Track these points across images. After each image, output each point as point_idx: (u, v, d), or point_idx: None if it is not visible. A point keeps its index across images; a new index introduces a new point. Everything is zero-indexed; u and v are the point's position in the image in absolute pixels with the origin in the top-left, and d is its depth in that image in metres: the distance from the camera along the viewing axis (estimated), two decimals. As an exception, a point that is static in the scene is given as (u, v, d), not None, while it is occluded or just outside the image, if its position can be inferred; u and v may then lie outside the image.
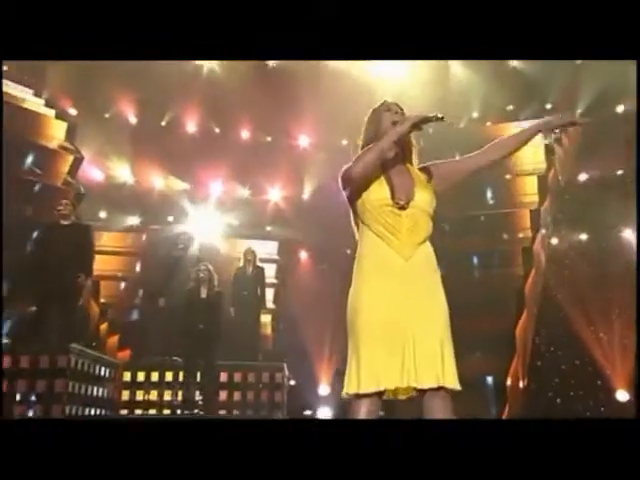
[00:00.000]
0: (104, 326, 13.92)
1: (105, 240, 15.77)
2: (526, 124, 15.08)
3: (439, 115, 3.14)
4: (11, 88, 14.49)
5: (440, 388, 2.98)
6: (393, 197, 3.12)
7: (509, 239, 14.54)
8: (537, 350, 13.71)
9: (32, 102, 15.33)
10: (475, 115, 16.55)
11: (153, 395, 8.74)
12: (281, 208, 16.77)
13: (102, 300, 14.51)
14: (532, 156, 15.30)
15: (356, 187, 3.19)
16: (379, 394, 3.04)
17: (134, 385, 8.85)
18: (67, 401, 6.90)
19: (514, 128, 15.70)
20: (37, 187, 12.53)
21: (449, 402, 3.04)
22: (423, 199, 3.19)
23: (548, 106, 16.26)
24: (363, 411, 3.03)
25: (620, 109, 15.59)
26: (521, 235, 14.44)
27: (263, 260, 13.62)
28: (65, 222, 8.03)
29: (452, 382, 3.00)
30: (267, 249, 15.84)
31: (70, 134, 15.35)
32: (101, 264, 15.07)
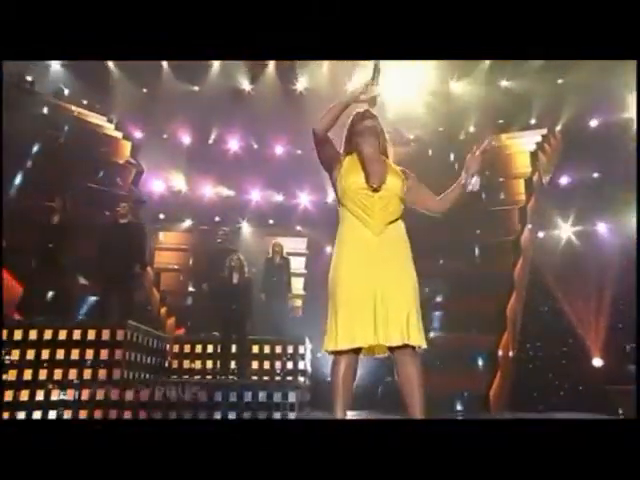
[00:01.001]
0: (163, 310, 13.78)
1: (164, 238, 16.00)
2: (517, 134, 15.65)
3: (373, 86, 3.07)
4: (91, 117, 14.99)
5: (406, 346, 2.92)
6: (368, 181, 3.04)
7: (502, 232, 14.06)
8: (525, 326, 13.37)
9: (106, 127, 15.44)
10: (472, 128, 16.15)
11: (197, 364, 8.72)
12: (309, 210, 16.57)
13: (162, 288, 14.41)
14: (520, 162, 15.04)
15: (319, 142, 3.16)
16: (355, 351, 2.98)
17: (181, 355, 8.82)
18: (125, 367, 6.96)
19: (505, 139, 15.77)
20: (105, 195, 12.34)
21: (416, 358, 2.97)
22: (394, 184, 3.11)
23: (532, 121, 15.88)
24: (342, 366, 2.97)
25: (593, 123, 15.16)
26: (511, 229, 14.04)
27: (294, 254, 14.22)
28: (123, 221, 8.19)
29: (416, 340, 2.94)
30: (298, 245, 15.90)
31: (134, 151, 15.36)
32: (161, 258, 15.60)
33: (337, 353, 3.02)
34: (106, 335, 7.05)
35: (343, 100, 3.16)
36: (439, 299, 13.18)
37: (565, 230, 14.22)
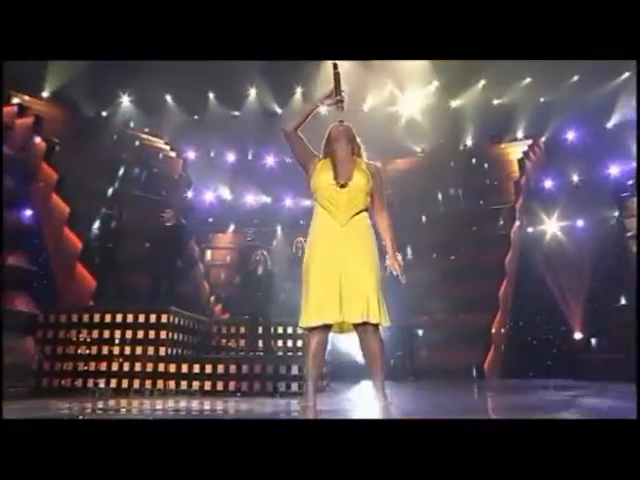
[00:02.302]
0: (212, 298, 13.84)
1: (213, 239, 15.90)
2: (507, 144, 15.28)
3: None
4: (151, 140, 15.21)
5: (366, 323, 2.81)
6: (336, 179, 2.93)
7: (495, 228, 13.87)
8: (516, 308, 13.14)
9: (163, 148, 15.50)
10: (469, 139, 15.75)
11: (233, 343, 8.44)
12: None
13: (211, 281, 14.48)
14: (509, 167, 14.86)
15: (289, 141, 3.07)
16: (325, 328, 2.85)
17: (219, 335, 8.56)
18: (169, 345, 6.89)
19: (498, 149, 15.44)
20: (158, 202, 12.04)
21: (375, 335, 2.86)
22: (360, 180, 2.97)
23: (519, 135, 15.36)
24: (313, 342, 2.86)
25: (571, 135, 14.64)
26: (503, 225, 13.88)
27: None
28: (169, 224, 8.09)
29: (375, 318, 2.81)
30: None
31: (185, 167, 15.48)
32: (210, 256, 15.54)
33: (309, 330, 2.89)
34: (153, 318, 7.00)
35: (310, 104, 3.09)
36: (441, 285, 12.74)
37: (549, 225, 13.88)
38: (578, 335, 12.43)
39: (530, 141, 14.76)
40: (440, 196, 14.80)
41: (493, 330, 12.29)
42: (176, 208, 8.77)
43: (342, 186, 2.91)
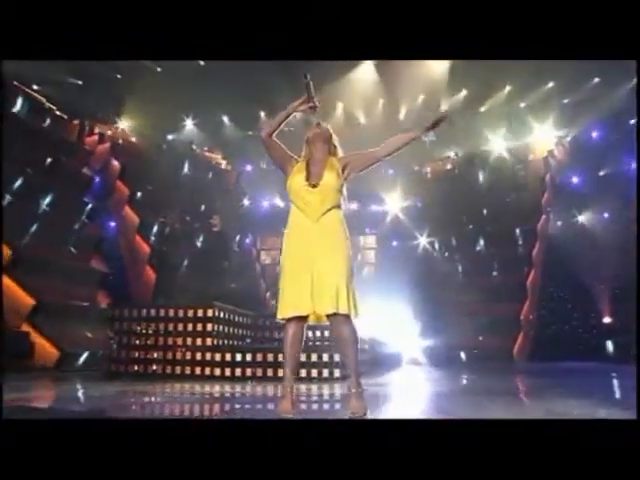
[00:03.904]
0: (268, 294, 13.82)
1: (267, 242, 15.70)
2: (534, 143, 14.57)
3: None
4: (209, 157, 15.40)
5: (336, 314, 2.64)
6: (307, 179, 2.78)
7: (525, 221, 13.21)
8: (544, 296, 12.40)
9: (220, 162, 15.74)
10: (497, 140, 15.10)
11: (276, 334, 8.02)
12: (376, 215, 16.10)
13: (267, 279, 14.32)
14: (536, 165, 14.29)
15: (265, 145, 2.92)
16: (300, 319, 2.72)
17: (264, 328, 8.23)
18: (215, 335, 6.73)
19: (524, 148, 14.71)
20: (209, 210, 12.09)
21: (347, 325, 2.66)
22: (330, 180, 2.79)
23: (545, 134, 14.56)
24: (289, 333, 2.75)
25: (595, 134, 13.65)
26: (530, 218, 13.22)
27: (367, 248, 14.98)
28: (215, 229, 8.75)
29: (345, 309, 2.63)
30: (369, 241, 15.87)
31: (240, 178, 15.65)
32: (266, 256, 15.46)
33: (286, 321, 2.75)
34: (200, 312, 6.88)
35: (284, 111, 2.92)
36: (475, 277, 12.39)
37: (575, 218, 13.14)
38: (607, 320, 11.71)
39: (555, 139, 14.08)
40: (474, 194, 14.37)
41: (522, 317, 11.82)
42: (222, 215, 8.72)
43: (314, 186, 2.76)
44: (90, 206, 11.19)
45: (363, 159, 2.88)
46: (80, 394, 4.62)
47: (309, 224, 2.75)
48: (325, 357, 6.23)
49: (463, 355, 11.47)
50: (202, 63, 11.80)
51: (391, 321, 11.32)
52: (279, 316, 2.73)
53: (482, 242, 13.66)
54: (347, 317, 2.63)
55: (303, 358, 6.16)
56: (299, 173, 2.82)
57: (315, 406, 3.83)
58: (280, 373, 6.13)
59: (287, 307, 2.68)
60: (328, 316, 2.67)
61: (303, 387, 5.24)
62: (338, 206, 2.82)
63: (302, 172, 2.82)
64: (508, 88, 13.94)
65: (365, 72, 14.30)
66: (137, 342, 6.96)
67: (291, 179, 2.83)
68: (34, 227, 9.51)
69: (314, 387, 5.32)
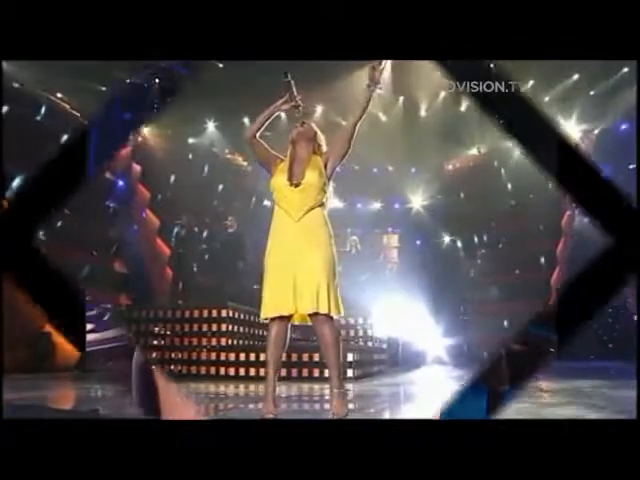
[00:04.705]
0: None
1: None
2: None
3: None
4: (230, 160, 15.24)
5: (317, 313, 2.62)
6: (289, 179, 2.77)
7: (548, 217, 13.00)
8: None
9: (241, 164, 15.40)
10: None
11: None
12: (399, 214, 15.91)
13: None
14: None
15: (249, 146, 2.94)
16: (283, 319, 2.70)
17: None
18: (229, 336, 6.89)
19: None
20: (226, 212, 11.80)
21: (327, 324, 2.65)
22: (312, 178, 2.77)
23: (569, 128, 13.92)
24: (272, 332, 2.72)
25: (623, 126, 13.14)
26: (554, 215, 12.95)
27: (391, 247, 14.93)
28: (230, 230, 8.31)
29: (325, 308, 2.62)
30: (392, 240, 15.68)
31: (262, 180, 14.99)
32: None
33: (270, 320, 2.77)
34: (214, 312, 7.04)
35: (267, 111, 2.96)
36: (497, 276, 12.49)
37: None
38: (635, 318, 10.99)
39: (580, 133, 13.66)
40: (498, 191, 14.12)
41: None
42: (239, 216, 8.82)
43: (296, 185, 2.77)
44: (112, 209, 11.44)
45: (338, 140, 2.85)
46: (99, 393, 4.74)
47: (291, 223, 2.73)
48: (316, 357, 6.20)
49: (486, 355, 11.28)
50: (221, 65, 11.89)
51: (414, 320, 11.25)
52: (262, 316, 2.73)
53: (505, 239, 13.50)
54: (328, 317, 2.62)
55: (305, 358, 6.21)
56: (282, 173, 2.82)
57: (317, 406, 3.81)
58: (293, 373, 6.15)
59: (269, 307, 2.68)
60: (310, 315, 2.66)
61: (305, 387, 5.30)
62: (321, 205, 2.80)
63: (284, 171, 2.81)
64: (531, 82, 13.68)
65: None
66: (154, 342, 7.12)
67: (274, 179, 2.84)
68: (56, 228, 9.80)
69: (315, 387, 5.32)
